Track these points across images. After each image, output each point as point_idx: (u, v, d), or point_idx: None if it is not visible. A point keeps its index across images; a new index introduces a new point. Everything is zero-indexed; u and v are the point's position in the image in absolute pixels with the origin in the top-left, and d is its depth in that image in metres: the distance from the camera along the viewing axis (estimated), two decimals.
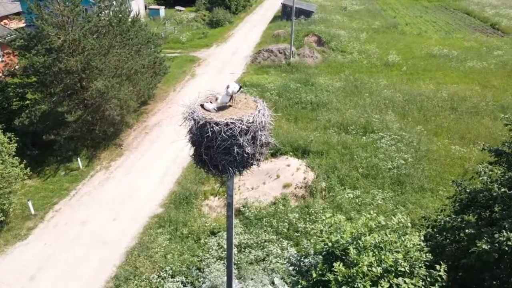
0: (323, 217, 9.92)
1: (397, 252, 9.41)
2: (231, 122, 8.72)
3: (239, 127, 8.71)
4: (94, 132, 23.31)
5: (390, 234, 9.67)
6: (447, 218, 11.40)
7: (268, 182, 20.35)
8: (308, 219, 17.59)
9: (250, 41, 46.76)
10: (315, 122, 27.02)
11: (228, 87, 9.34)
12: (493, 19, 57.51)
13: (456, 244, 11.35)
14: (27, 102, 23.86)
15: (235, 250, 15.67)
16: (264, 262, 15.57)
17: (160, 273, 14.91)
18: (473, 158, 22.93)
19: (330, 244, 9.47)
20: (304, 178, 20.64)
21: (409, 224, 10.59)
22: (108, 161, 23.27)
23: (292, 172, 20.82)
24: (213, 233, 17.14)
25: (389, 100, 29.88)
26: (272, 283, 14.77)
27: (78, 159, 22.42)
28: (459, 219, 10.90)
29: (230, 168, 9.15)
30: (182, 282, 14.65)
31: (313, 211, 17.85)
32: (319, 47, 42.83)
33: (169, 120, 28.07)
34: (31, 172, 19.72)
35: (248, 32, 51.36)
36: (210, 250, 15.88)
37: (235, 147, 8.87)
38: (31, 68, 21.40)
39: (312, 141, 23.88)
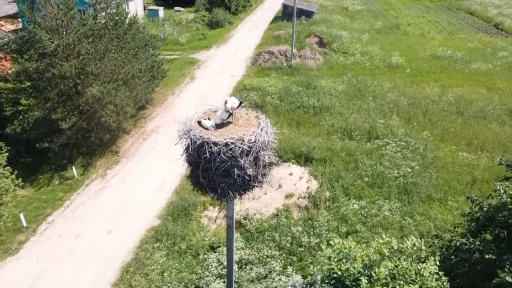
0: (332, 243, 9.14)
1: (413, 282, 8.64)
2: (231, 142, 7.95)
3: (239, 147, 7.94)
4: (90, 139, 22.52)
5: (404, 262, 8.90)
6: (463, 240, 10.63)
7: (269, 192, 19.57)
8: (312, 233, 16.80)
9: (250, 43, 45.94)
10: (318, 127, 26.25)
11: (226, 102, 8.55)
12: (496, 19, 56.74)
13: (472, 266, 10.61)
14: (21, 108, 23.08)
15: (235, 267, 14.88)
16: (266, 280, 14.80)
17: None
18: (481, 166, 22.20)
19: (339, 272, 8.71)
20: (307, 188, 19.88)
21: (424, 247, 9.85)
22: (104, 169, 22.49)
23: (295, 181, 20.04)
24: (212, 248, 16.38)
25: (393, 104, 29.10)
26: None
27: (73, 167, 21.64)
28: (477, 243, 10.12)
29: (230, 192, 8.39)
30: None
31: (317, 225, 17.08)
32: (320, 48, 42.04)
33: (168, 126, 27.32)
34: (22, 183, 18.94)
35: (248, 33, 50.54)
36: (210, 267, 15.09)
37: (235, 169, 8.10)
38: (24, 73, 20.61)
39: (315, 148, 23.11)
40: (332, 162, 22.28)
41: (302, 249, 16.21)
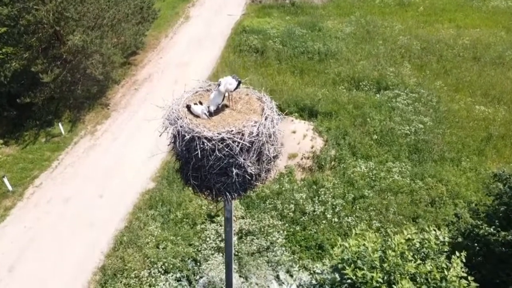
0: (346, 244, 7.92)
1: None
2: (228, 137, 6.42)
3: (238, 143, 6.42)
4: (76, 91, 20.73)
5: (428, 264, 7.76)
6: (491, 229, 9.40)
7: None
8: (317, 200, 15.70)
9: None
10: (323, 76, 24.28)
11: (219, 84, 6.86)
12: None
13: (498, 257, 9.53)
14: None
15: (235, 239, 13.98)
16: (268, 251, 13.95)
17: (151, 270, 13.27)
18: (498, 120, 20.69)
19: (354, 278, 7.60)
20: (312, 147, 18.52)
21: (447, 238, 8.70)
22: (93, 125, 20.93)
23: (298, 140, 18.62)
24: (210, 217, 15.36)
25: (405, 49, 26.81)
26: (277, 277, 13.26)
27: (60, 124, 20.05)
28: (509, 237, 8.91)
29: (228, 193, 7.01)
30: (176, 278, 13.10)
31: (322, 192, 15.91)
32: None
33: (161, 73, 25.37)
34: (3, 143, 17.49)
35: None
36: (207, 239, 14.16)
37: (233, 168, 6.65)
38: None
39: (320, 101, 21.42)
40: (338, 116, 20.72)
41: (306, 217, 15.21)
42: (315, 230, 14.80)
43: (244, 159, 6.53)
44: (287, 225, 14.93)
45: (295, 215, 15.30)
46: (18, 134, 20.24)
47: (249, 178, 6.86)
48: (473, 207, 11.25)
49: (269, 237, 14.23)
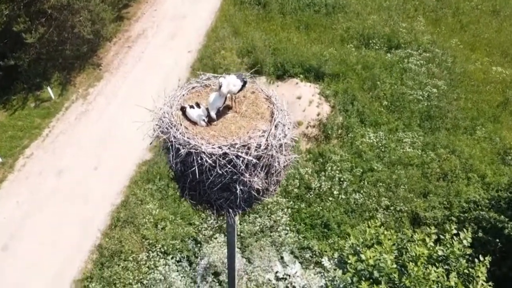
0: (363, 256, 7.15)
1: None
2: (231, 152, 5.38)
3: (244, 159, 5.39)
4: (65, 51, 19.22)
5: (452, 276, 7.04)
6: None
7: None
8: (323, 175, 14.88)
9: None
10: (331, 32, 22.53)
11: (221, 85, 5.67)
12: None
13: None
14: None
15: (236, 218, 13.30)
16: (271, 230, 13.36)
17: (149, 253, 12.72)
18: None
19: None
20: (318, 114, 17.44)
21: (470, 239, 7.96)
22: (85, 87, 19.63)
23: (304, 107, 17.48)
24: None
25: (419, 1, 24.82)
26: (281, 258, 12.76)
27: (48, 88, 18.75)
28: None
29: (231, 209, 6.10)
30: (176, 260, 12.59)
31: (329, 167, 15.02)
32: None
33: (156, 28, 23.60)
34: None
35: None
36: (208, 218, 13.52)
37: (237, 185, 5.68)
38: None
39: (327, 61, 19.95)
40: (346, 79, 19.38)
41: (311, 194, 14.48)
42: (321, 208, 14.13)
43: (249, 175, 5.54)
44: (291, 202, 14.23)
45: (300, 191, 14.56)
46: (6, 98, 19.03)
47: (256, 194, 5.91)
48: (494, 195, 10.43)
49: (272, 216, 13.57)
